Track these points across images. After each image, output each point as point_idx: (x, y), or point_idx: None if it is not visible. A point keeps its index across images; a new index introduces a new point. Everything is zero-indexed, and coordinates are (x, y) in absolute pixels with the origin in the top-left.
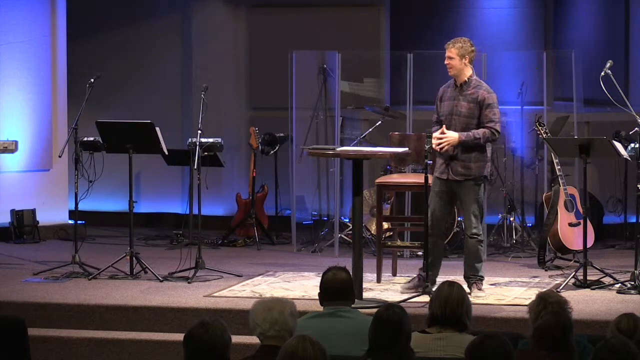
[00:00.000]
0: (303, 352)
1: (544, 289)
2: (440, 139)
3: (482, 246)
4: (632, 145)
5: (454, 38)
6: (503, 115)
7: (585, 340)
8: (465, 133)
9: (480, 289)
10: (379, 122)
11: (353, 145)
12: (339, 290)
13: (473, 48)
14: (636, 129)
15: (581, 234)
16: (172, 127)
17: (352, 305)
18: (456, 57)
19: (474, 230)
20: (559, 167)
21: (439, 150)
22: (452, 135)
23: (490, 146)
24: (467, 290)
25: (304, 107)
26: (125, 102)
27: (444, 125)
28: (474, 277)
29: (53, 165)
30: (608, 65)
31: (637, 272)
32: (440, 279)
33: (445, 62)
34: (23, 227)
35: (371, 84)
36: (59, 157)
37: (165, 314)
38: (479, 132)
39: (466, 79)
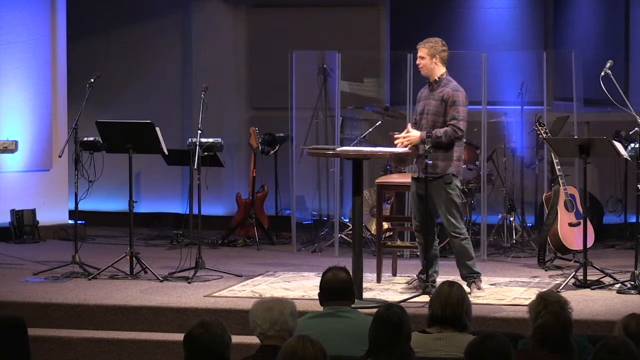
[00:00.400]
0: (303, 352)
1: (544, 289)
2: (405, 137)
3: (468, 243)
4: (632, 145)
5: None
6: (503, 116)
7: (585, 340)
8: (427, 132)
9: (479, 288)
10: (379, 122)
11: (353, 145)
12: (339, 290)
13: (444, 48)
14: (636, 129)
15: (581, 234)
16: (172, 127)
17: (352, 305)
18: (427, 56)
19: (454, 229)
20: (559, 167)
21: (404, 146)
22: (414, 134)
23: (461, 145)
24: (467, 290)
25: (304, 107)
26: (125, 102)
27: (409, 124)
28: (470, 276)
29: (53, 165)
30: (608, 65)
31: (637, 272)
32: (440, 279)
33: (417, 62)
34: (23, 227)
35: (371, 84)
36: (59, 157)
37: (165, 314)
38: (441, 131)
39: (437, 77)
